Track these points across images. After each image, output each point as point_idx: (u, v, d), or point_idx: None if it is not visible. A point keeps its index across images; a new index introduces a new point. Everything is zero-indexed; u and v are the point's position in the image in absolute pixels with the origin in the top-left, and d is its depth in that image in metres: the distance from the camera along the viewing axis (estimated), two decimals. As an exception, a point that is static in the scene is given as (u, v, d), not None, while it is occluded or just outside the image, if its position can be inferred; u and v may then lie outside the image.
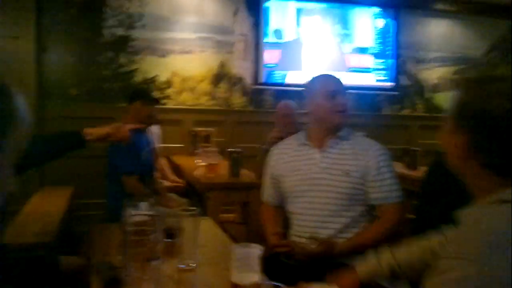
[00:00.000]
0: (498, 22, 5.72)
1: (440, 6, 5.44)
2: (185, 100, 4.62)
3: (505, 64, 5.79)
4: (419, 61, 5.51)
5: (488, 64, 5.74)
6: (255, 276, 1.12)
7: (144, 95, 3.14)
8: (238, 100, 4.82)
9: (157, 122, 3.76)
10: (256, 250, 1.13)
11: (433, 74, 5.56)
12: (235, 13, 4.79)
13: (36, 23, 4.04)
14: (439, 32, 5.59)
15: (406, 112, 5.50)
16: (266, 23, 4.88)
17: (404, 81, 5.45)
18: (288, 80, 4.96)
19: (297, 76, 4.99)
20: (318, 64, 5.08)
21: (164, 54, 4.53)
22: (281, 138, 2.53)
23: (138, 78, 4.47)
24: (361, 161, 1.85)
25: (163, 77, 4.54)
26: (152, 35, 4.48)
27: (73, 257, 1.69)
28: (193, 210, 1.41)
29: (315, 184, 1.86)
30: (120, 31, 4.39)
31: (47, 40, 4.14)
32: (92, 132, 1.70)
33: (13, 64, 3.78)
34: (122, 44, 4.42)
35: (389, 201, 1.83)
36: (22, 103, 0.71)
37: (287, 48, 4.97)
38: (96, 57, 4.34)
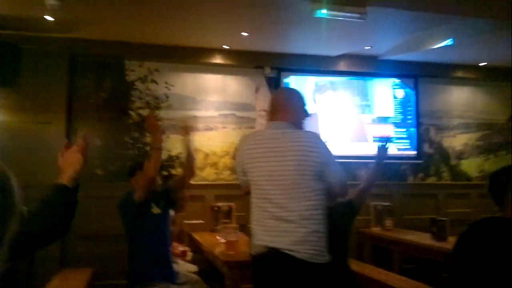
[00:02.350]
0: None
1: (459, 73, 5.51)
2: (208, 175, 4.71)
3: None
4: (442, 128, 5.49)
5: (513, 129, 5.67)
6: None
7: (141, 166, 3.03)
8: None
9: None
10: None
11: (457, 141, 5.51)
12: (256, 91, 4.98)
13: (67, 109, 4.33)
14: (460, 99, 5.61)
15: (431, 180, 5.40)
16: (286, 98, 5.03)
17: (428, 149, 5.41)
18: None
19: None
20: (338, 135, 5.14)
21: (187, 131, 4.70)
22: None
23: (163, 155, 4.61)
24: None
25: (186, 154, 4.67)
26: (177, 114, 4.68)
27: None
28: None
29: None
30: (146, 112, 4.61)
31: (77, 124, 4.39)
32: (65, 175, 1.46)
33: (44, 149, 4.00)
34: (148, 124, 4.62)
35: None
36: (19, 194, 0.75)
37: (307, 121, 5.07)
38: (123, 138, 4.54)
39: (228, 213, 4.35)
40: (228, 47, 4.70)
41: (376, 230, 4.58)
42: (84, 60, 4.49)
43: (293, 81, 5.09)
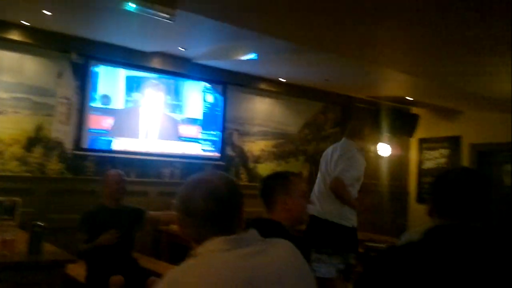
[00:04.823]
0: (311, 103, 6.56)
1: (263, 86, 6.03)
2: (-11, 165, 4.13)
3: (316, 140, 6.60)
4: (244, 134, 5.94)
5: (302, 140, 6.48)
6: None
7: None
8: (54, 167, 4.49)
9: None
10: None
11: (255, 146, 6.03)
12: (59, 76, 4.59)
13: None
14: (262, 109, 6.15)
15: (231, 181, 5.78)
16: (94, 88, 4.78)
17: (230, 152, 5.79)
18: (115, 147, 4.85)
19: (126, 143, 4.92)
20: (149, 132, 5.11)
21: (-33, 113, 4.05)
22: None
23: None
24: None
25: (-38, 139, 4.02)
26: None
27: None
28: None
29: None
30: None
31: None
32: None
33: None
34: None
35: None
36: None
37: (117, 115, 4.91)
38: None
39: (10, 209, 3.87)
40: (28, 24, 4.22)
41: (174, 227, 4.67)
42: None
43: (102, 71, 4.85)
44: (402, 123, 7.05)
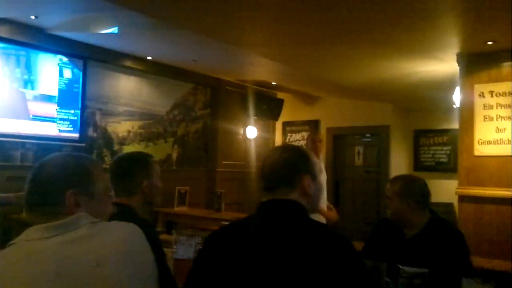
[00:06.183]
0: (181, 84, 6.47)
1: (128, 63, 5.74)
2: None
3: (186, 121, 6.56)
4: (108, 113, 5.61)
5: (171, 121, 6.38)
6: None
7: None
8: None
9: None
10: None
11: (121, 127, 5.75)
12: None
13: None
14: (127, 88, 5.88)
15: (92, 163, 5.45)
16: None
17: (92, 133, 5.43)
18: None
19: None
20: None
21: None
22: None
23: None
24: None
25: None
26: None
27: None
28: None
29: None
30: None
31: None
32: None
33: None
34: None
35: None
36: None
37: None
38: None
39: None
40: None
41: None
42: None
43: None
44: (268, 107, 7.37)
